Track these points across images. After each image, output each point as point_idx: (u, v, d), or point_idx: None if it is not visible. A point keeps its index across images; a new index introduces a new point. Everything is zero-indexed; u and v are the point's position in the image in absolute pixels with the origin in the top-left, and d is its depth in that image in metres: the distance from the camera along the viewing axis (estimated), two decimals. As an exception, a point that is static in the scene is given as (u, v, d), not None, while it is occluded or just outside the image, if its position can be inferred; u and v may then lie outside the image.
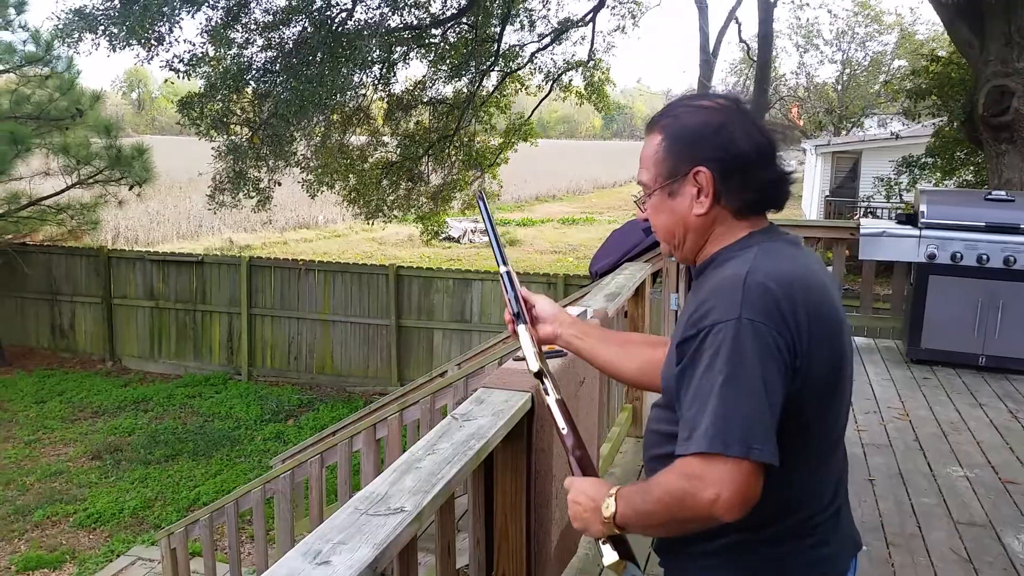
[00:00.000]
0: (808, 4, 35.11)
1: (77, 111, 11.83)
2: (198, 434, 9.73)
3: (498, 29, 12.49)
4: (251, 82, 11.21)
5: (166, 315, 12.11)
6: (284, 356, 11.78)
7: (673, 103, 1.48)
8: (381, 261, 16.79)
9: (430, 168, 13.06)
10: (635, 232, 5.46)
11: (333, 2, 11.14)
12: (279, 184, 11.70)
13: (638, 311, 4.06)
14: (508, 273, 1.73)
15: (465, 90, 12.75)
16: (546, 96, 13.81)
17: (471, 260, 19.40)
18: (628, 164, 45.01)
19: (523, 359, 2.42)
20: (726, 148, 1.37)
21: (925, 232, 5.67)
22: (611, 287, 3.61)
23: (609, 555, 1.39)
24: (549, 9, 13.57)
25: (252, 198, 11.38)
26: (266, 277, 11.69)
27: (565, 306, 5.08)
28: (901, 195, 11.77)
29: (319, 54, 10.29)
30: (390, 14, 11.54)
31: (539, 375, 1.55)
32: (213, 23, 10.65)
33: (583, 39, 29.97)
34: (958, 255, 5.58)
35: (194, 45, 10.86)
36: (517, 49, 13.13)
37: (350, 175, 12.59)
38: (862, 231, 5.90)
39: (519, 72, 13.40)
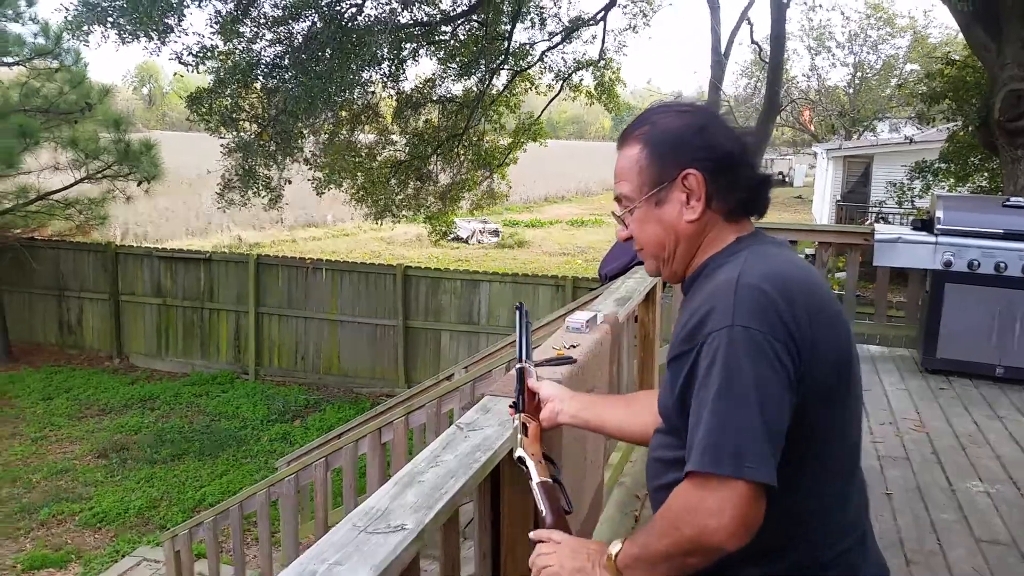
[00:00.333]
0: (820, 6, 34.93)
1: (86, 105, 11.80)
2: (204, 433, 9.69)
3: (508, 27, 12.42)
4: (260, 77, 11.16)
5: (173, 312, 12.08)
6: (291, 355, 11.74)
7: (644, 113, 1.43)
8: (389, 261, 16.75)
9: (439, 167, 13.00)
10: (646, 236, 5.37)
11: (343, -3, 11.08)
12: (289, 182, 11.65)
13: (648, 316, 3.98)
14: (521, 369, 1.69)
15: (475, 88, 12.69)
16: (556, 96, 13.72)
17: (479, 261, 19.35)
18: (638, 165, 44.77)
19: (535, 363, 2.38)
20: (712, 147, 1.33)
21: (941, 239, 5.57)
22: (621, 291, 3.53)
23: None
24: (560, 7, 13.56)
25: (262, 196, 11.34)
26: (274, 275, 11.65)
27: (574, 310, 5.00)
28: (913, 201, 11.65)
29: (328, 50, 10.24)
30: (400, 10, 11.48)
31: (520, 460, 1.48)
32: (222, 16, 10.60)
33: (594, 38, 29.95)
34: (975, 263, 5.47)
35: (202, 36, 10.83)
36: (527, 47, 13.06)
37: (358, 173, 12.54)
38: (877, 237, 5.80)
39: (529, 71, 13.33)
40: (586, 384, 2.56)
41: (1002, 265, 5.41)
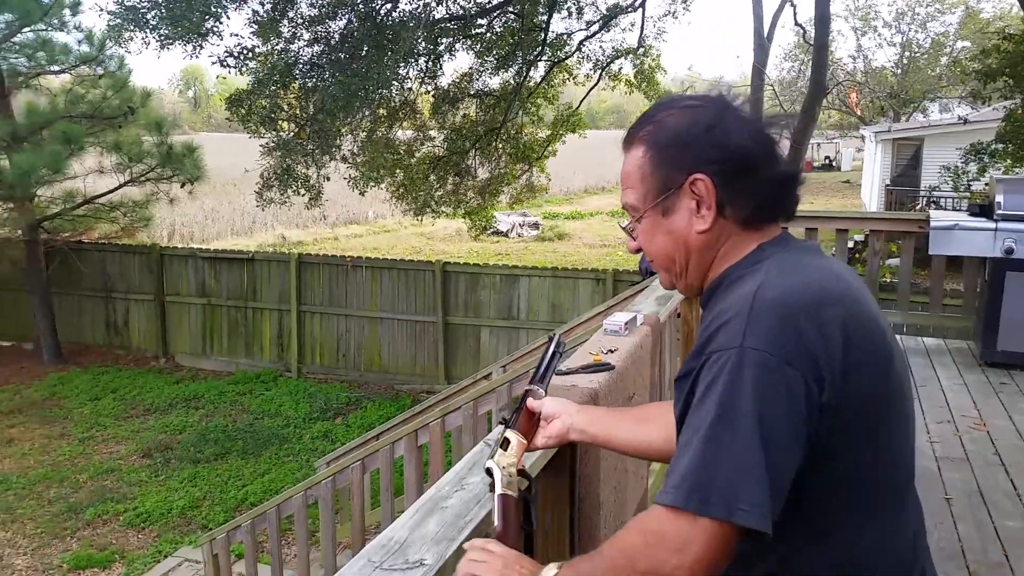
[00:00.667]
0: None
1: (129, 109, 11.95)
2: (247, 432, 9.74)
3: (545, 17, 12.24)
4: (298, 77, 11.19)
5: (218, 312, 12.18)
6: (333, 353, 11.76)
7: (651, 110, 1.27)
8: (429, 257, 16.72)
9: (477, 162, 12.90)
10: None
11: (378, -6, 11.03)
12: (327, 179, 11.67)
13: (692, 312, 3.81)
14: (527, 391, 1.55)
15: (512, 81, 12.55)
16: (595, 85, 13.50)
17: (519, 255, 19.24)
18: (680, 154, 44.20)
19: (569, 371, 2.25)
20: (723, 146, 1.17)
21: (1002, 224, 5.28)
22: (662, 290, 3.37)
23: None
24: (598, -4, 13.23)
25: (301, 195, 11.38)
26: (315, 274, 11.68)
27: (613, 307, 4.82)
28: (969, 184, 11.19)
29: (364, 47, 10.20)
30: (435, 5, 11.38)
31: (488, 471, 1.35)
32: (259, 16, 10.64)
33: (632, 25, 29.40)
34: (1038, 249, 5.18)
35: (241, 38, 10.89)
36: (565, 38, 12.86)
37: (397, 170, 12.50)
38: (932, 224, 5.53)
39: (567, 61, 13.13)
40: (626, 391, 2.42)
41: (1068, 252, 5.12)
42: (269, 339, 12.03)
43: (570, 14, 12.59)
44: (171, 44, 10.10)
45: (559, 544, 1.96)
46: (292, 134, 11.14)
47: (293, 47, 11.09)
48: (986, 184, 11.92)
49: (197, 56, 10.86)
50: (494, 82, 12.90)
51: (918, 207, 16.36)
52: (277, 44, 11.06)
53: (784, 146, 1.23)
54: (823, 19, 11.53)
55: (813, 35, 12.23)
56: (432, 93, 12.51)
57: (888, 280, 9.48)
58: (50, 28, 11.87)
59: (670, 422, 1.44)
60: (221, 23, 10.41)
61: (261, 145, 11.28)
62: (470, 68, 12.87)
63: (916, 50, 27.10)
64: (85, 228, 12.72)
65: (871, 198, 23.74)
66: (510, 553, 1.22)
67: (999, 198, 5.37)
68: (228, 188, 26.85)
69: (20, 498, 8.11)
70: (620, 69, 13.52)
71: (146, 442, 9.44)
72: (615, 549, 1.11)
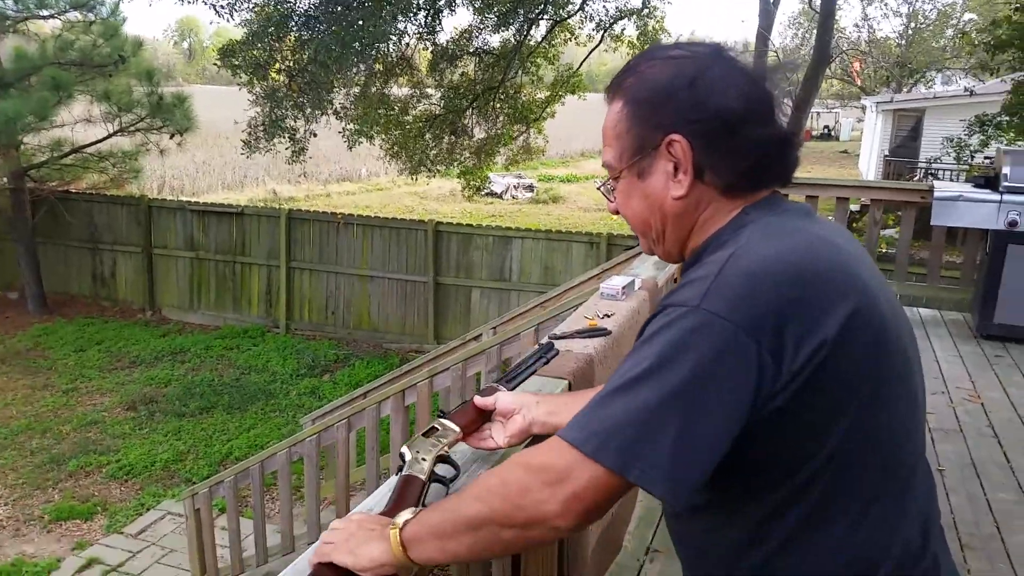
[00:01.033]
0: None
1: (120, 57, 11.66)
2: (234, 387, 9.67)
3: (548, -27, 11.95)
4: (294, 29, 10.92)
5: (206, 266, 12.03)
6: (321, 310, 11.66)
7: (636, 58, 1.15)
8: (422, 216, 16.55)
9: (474, 122, 12.68)
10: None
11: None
12: (315, 135, 11.45)
13: (687, 278, 3.71)
14: (486, 388, 1.45)
15: (512, 39, 12.29)
16: (596, 46, 13.26)
17: (513, 216, 19.08)
18: (678, 120, 43.85)
19: (564, 335, 2.14)
20: (704, 105, 1.04)
21: (1007, 197, 5.16)
22: (659, 252, 3.26)
23: None
24: (602, -47, 12.94)
25: (287, 148, 11.17)
26: (305, 230, 11.52)
27: (607, 270, 4.70)
28: (972, 156, 11.05)
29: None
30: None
31: (400, 456, 1.26)
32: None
33: (636, -12, 28.99)
34: (1042, 223, 5.08)
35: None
36: (568, -5, 12.58)
37: (392, 128, 12.28)
38: (936, 194, 5.42)
39: (569, 20, 12.85)
40: (621, 357, 2.32)
41: (1071, 226, 5.03)
42: (257, 294, 11.90)
43: (574, -29, 12.32)
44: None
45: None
46: (284, 85, 10.90)
47: (289, -2, 10.83)
48: (986, 157, 11.81)
49: (193, 1, 10.56)
50: (494, 40, 12.65)
51: (916, 178, 16.23)
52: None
53: (783, 102, 1.10)
54: (830, -15, 11.29)
55: (820, 2, 11.99)
56: (430, 49, 12.24)
57: (884, 251, 9.39)
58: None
59: None
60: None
61: (251, 94, 11.04)
62: (470, 25, 12.60)
63: (922, 20, 26.72)
64: (73, 178, 12.47)
65: (869, 168, 23.58)
66: (364, 517, 1.16)
67: (1005, 170, 5.25)
68: (220, 141, 26.49)
69: (2, 448, 8.05)
70: (623, 30, 13.25)
71: (131, 394, 9.35)
72: (491, 481, 1.04)
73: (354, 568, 1.09)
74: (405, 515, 1.11)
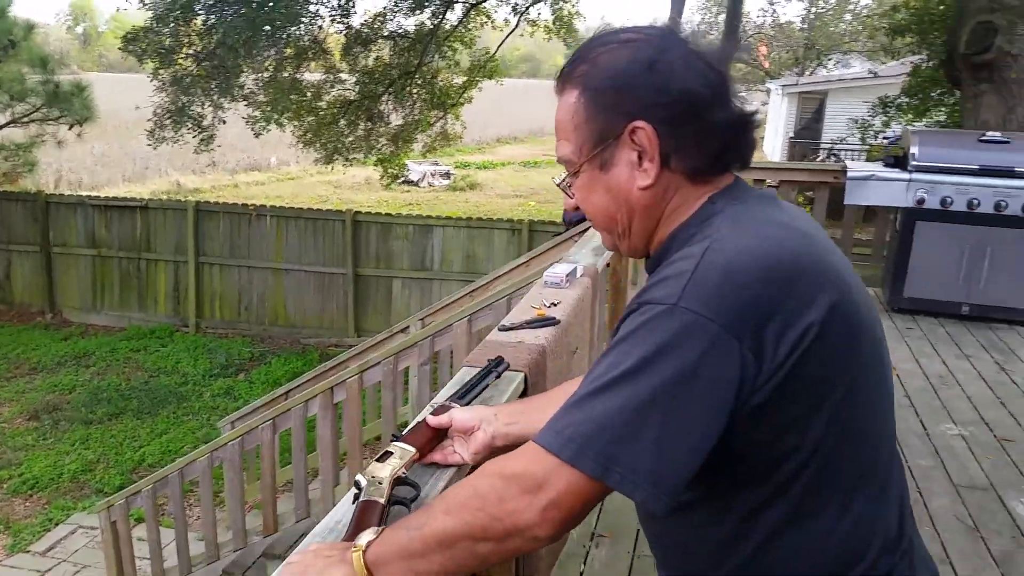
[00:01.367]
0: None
1: (9, 42, 10.91)
2: (143, 391, 9.24)
3: (462, -44, 11.80)
4: (201, 12, 10.44)
5: (109, 264, 11.43)
6: (234, 306, 11.25)
7: (585, 46, 1.09)
8: (337, 206, 16.21)
9: (390, 107, 12.43)
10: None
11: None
12: (224, 122, 11.01)
13: (620, 263, 3.69)
14: (439, 407, 1.39)
15: (428, 23, 12.08)
16: (513, 30, 13.17)
17: (431, 204, 18.87)
18: (590, 105, 44.25)
19: (513, 327, 2.07)
20: (666, 88, 1.00)
21: (915, 175, 5.36)
22: (597, 240, 3.22)
23: None
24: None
25: (194, 136, 10.70)
26: (215, 223, 11.07)
27: (533, 258, 4.61)
28: (876, 136, 11.52)
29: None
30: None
31: (356, 484, 1.20)
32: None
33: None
34: (948, 200, 5.29)
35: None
36: (482, -22, 12.45)
37: (304, 114, 11.91)
38: (849, 175, 5.59)
39: (485, 4, 12.73)
40: (570, 346, 2.26)
41: (975, 202, 5.25)
42: (164, 292, 11.41)
43: (488, -45, 12.19)
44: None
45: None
46: (191, 70, 10.42)
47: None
48: (884, 138, 12.30)
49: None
50: (409, 23, 12.40)
51: (819, 159, 16.80)
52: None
53: (735, 84, 1.06)
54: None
55: (727, -14, 12.23)
56: (344, 33, 11.91)
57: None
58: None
59: None
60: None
61: (157, 79, 10.51)
62: (384, 8, 12.31)
63: (822, 6, 27.63)
64: (-40, 172, 11.70)
65: (774, 150, 24.33)
66: (320, 546, 1.09)
67: (913, 149, 5.44)
68: (120, 132, 25.28)
69: None
70: (539, 15, 13.23)
71: (33, 403, 8.83)
72: (451, 501, 0.99)
73: None
74: (367, 536, 1.03)
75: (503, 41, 13.66)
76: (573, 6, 12.97)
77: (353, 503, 1.18)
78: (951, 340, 5.20)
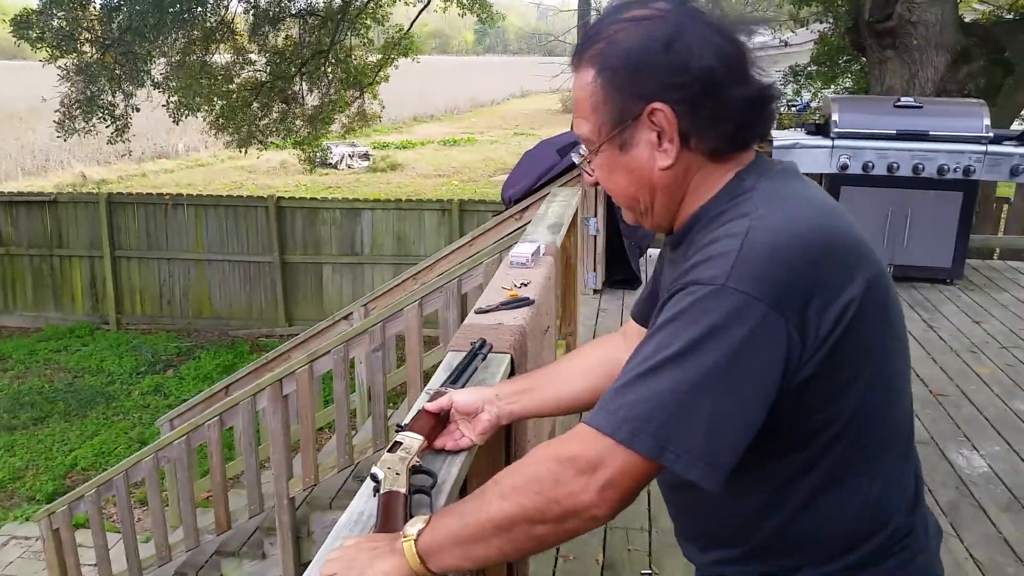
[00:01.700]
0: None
1: None
2: (68, 392, 8.87)
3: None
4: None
5: (18, 262, 10.85)
6: (155, 301, 10.87)
7: (600, 21, 1.08)
8: (253, 191, 15.78)
9: (305, 88, 12.10)
10: (549, 154, 5.11)
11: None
12: (137, 110, 10.54)
13: (570, 241, 3.73)
14: (434, 393, 1.39)
15: (338, 0, 11.78)
16: (426, 6, 12.97)
17: (352, 187, 18.57)
18: (504, 80, 44.23)
19: (489, 309, 2.09)
20: (684, 68, 1.00)
21: (838, 142, 5.58)
22: (551, 218, 3.25)
23: None
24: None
25: (107, 126, 10.21)
26: (129, 215, 10.63)
27: (476, 238, 4.63)
28: (789, 105, 11.88)
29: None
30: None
31: (373, 476, 1.21)
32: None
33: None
34: (870, 164, 5.53)
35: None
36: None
37: (215, 98, 11.47)
38: (774, 143, 5.75)
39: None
40: (542, 324, 2.29)
41: (895, 165, 5.50)
42: (81, 289, 10.92)
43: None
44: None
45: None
46: (95, 58, 9.89)
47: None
48: (793, 105, 12.69)
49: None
50: (318, 0, 12.06)
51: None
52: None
53: (755, 55, 1.07)
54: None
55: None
56: (251, 12, 11.52)
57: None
58: None
59: (604, 357, 1.38)
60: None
61: (60, 68, 9.95)
62: (291, -15, 11.91)
63: (726, -24, 28.21)
64: None
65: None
66: (362, 538, 1.09)
67: (835, 117, 5.65)
68: (13, 122, 23.91)
69: None
70: (452, -11, 13.02)
71: (-53, 413, 8.38)
72: (505, 485, 0.99)
73: None
74: (416, 525, 1.03)
75: (416, 17, 13.44)
76: (489, -19, 12.86)
77: (374, 495, 1.19)
78: (877, 300, 5.47)
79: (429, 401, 1.36)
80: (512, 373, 1.81)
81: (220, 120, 11.64)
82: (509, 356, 1.81)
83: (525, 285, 2.31)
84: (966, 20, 9.60)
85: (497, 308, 2.13)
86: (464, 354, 1.64)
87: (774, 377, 0.93)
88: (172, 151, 24.18)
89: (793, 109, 12.31)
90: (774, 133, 6.22)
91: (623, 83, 1.03)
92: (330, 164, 21.38)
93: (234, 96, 11.49)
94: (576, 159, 1.19)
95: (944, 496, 3.14)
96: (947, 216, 5.58)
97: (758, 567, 1.10)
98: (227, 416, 4.60)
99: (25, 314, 10.99)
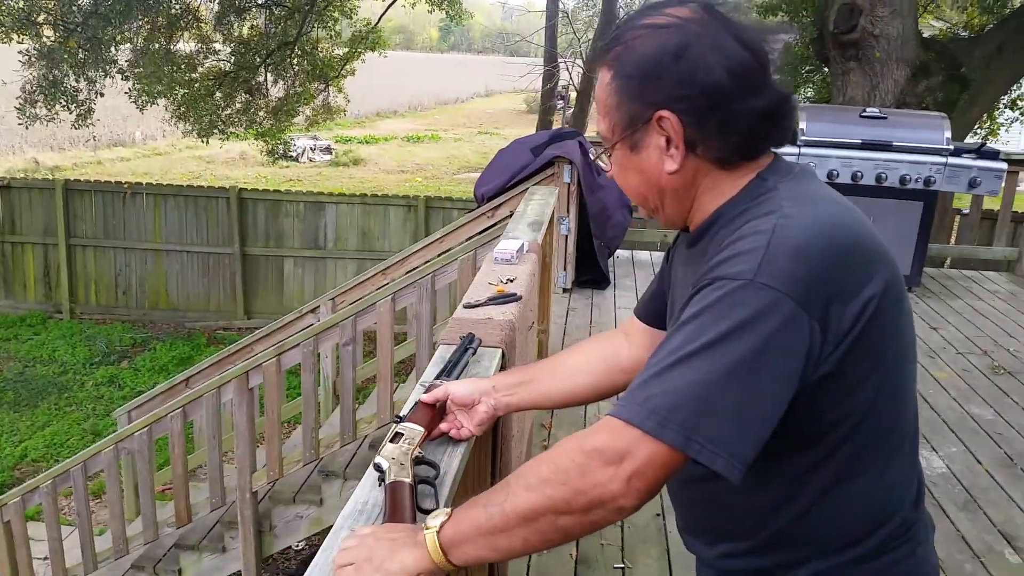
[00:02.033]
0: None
1: None
2: (18, 382, 8.65)
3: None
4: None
5: (-33, 249, 10.55)
6: (111, 290, 10.64)
7: (624, 25, 1.12)
8: (212, 182, 15.51)
9: (270, 79, 11.95)
10: (522, 153, 5.12)
11: None
12: (101, 95, 10.30)
13: (546, 239, 3.74)
14: (429, 386, 1.41)
15: (305, -8, 11.64)
16: (394, 1, 12.91)
17: (314, 181, 18.37)
18: (468, 78, 44.11)
19: (478, 304, 2.10)
20: (692, 80, 1.03)
21: (804, 150, 5.67)
22: (530, 216, 3.27)
23: None
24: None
25: (71, 111, 9.96)
26: (86, 202, 10.40)
27: (447, 235, 4.64)
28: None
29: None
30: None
31: (377, 467, 1.21)
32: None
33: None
34: (835, 172, 5.63)
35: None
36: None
37: (177, 87, 11.26)
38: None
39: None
40: (528, 321, 2.30)
41: (859, 174, 5.61)
42: (34, 277, 10.65)
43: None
44: None
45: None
46: (58, 42, 9.63)
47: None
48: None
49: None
50: (285, -9, 11.90)
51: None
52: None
53: (775, 62, 1.08)
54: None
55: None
56: (216, 0, 11.33)
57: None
58: None
59: (588, 364, 1.41)
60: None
61: (21, 53, 9.67)
62: (258, -25, 11.75)
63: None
64: None
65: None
66: (379, 527, 1.09)
67: (802, 125, 5.75)
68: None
69: None
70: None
71: None
72: (530, 477, 0.99)
73: None
74: (439, 518, 1.03)
75: (385, 11, 13.36)
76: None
77: (379, 485, 1.19)
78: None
79: (425, 393, 1.36)
80: (503, 368, 1.82)
81: (182, 109, 11.43)
82: (501, 350, 1.82)
83: (511, 281, 2.32)
84: (924, 36, 9.86)
85: (485, 303, 2.13)
86: (454, 348, 1.65)
87: (796, 370, 0.95)
88: (129, 139, 23.66)
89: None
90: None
91: (635, 90, 1.07)
92: (291, 156, 21.11)
93: (197, 86, 11.30)
94: (593, 155, 1.22)
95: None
96: (908, 225, 5.72)
97: (766, 560, 1.12)
98: (190, 408, 4.53)
99: (-27, 302, 10.67)
